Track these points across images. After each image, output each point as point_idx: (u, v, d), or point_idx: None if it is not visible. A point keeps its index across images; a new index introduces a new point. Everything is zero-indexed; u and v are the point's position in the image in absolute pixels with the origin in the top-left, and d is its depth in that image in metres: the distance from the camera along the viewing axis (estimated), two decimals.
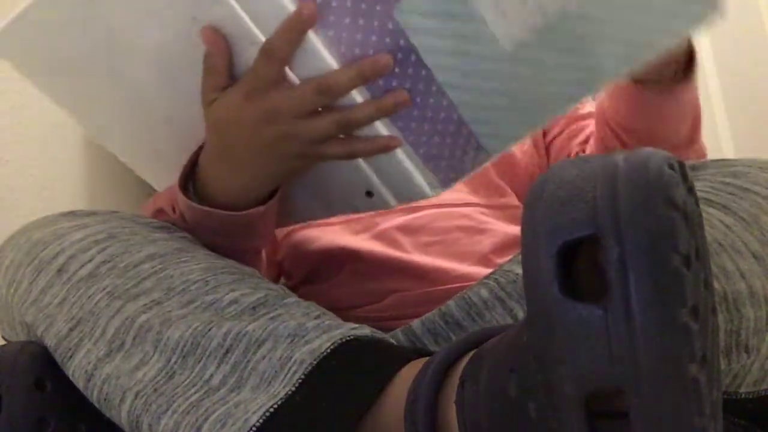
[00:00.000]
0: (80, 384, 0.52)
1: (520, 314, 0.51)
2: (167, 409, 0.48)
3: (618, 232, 0.28)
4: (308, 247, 0.81)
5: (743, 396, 0.49)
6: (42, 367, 0.53)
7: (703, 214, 0.47)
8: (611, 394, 0.30)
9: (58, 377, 0.53)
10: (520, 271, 0.52)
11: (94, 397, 0.51)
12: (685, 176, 0.32)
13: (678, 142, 0.76)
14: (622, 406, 0.29)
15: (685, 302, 0.29)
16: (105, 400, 0.51)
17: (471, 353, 0.43)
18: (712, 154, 1.42)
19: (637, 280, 0.28)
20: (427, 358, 0.46)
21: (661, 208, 0.28)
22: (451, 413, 0.41)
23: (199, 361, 0.49)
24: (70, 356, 0.53)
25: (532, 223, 0.31)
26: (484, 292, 0.54)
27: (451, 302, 0.55)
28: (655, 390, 0.28)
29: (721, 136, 1.42)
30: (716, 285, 0.45)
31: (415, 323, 0.57)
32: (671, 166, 0.31)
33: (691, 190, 0.32)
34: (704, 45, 1.46)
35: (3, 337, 0.64)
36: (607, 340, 0.28)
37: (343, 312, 0.56)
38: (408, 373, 0.46)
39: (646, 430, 0.29)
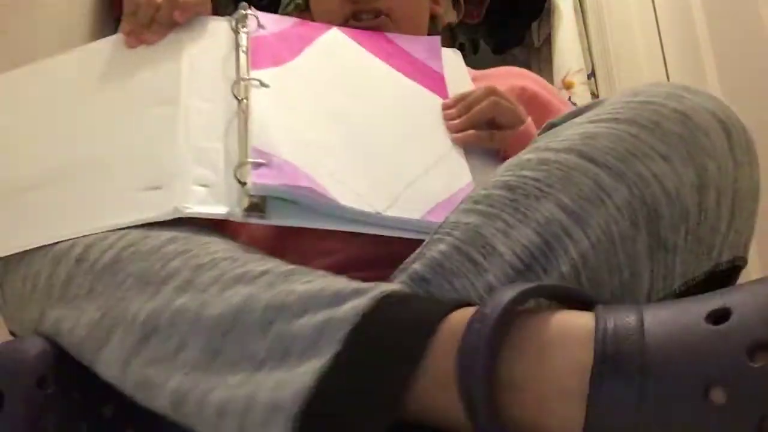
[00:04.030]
0: (113, 370, 0.52)
1: (475, 255, 0.53)
2: (219, 384, 0.48)
3: None
4: None
5: (678, 290, 0.54)
6: (46, 366, 0.53)
7: (612, 131, 0.54)
8: None
9: (62, 375, 0.53)
10: (466, 219, 0.55)
11: (130, 380, 0.51)
12: None
13: None
14: None
15: None
16: (144, 382, 0.50)
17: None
18: None
19: None
20: (471, 308, 0.46)
21: None
22: (512, 371, 0.43)
23: (241, 337, 0.49)
24: (103, 345, 0.53)
25: None
26: (442, 247, 0.55)
27: (416, 265, 0.55)
28: None
29: None
30: (635, 191, 0.52)
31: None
32: None
33: None
34: (704, 44, 1.46)
35: (11, 332, 0.64)
36: None
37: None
38: (452, 324, 0.46)
39: None
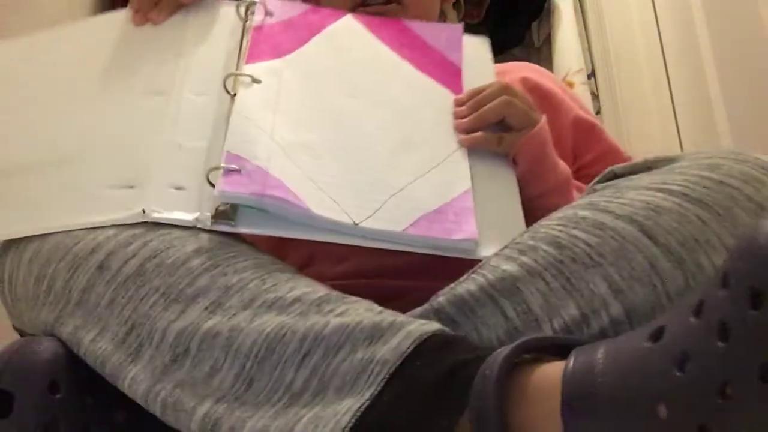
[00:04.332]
0: (141, 387, 0.51)
1: (509, 311, 0.52)
2: (253, 415, 0.48)
3: None
4: None
5: None
6: (59, 369, 0.53)
7: (680, 209, 0.50)
8: None
9: (74, 379, 0.53)
10: (507, 267, 0.54)
11: (158, 400, 0.51)
12: None
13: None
14: None
15: None
16: (173, 404, 0.50)
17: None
18: None
19: None
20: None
21: None
22: (520, 417, 0.44)
23: (277, 366, 0.49)
24: (131, 361, 0.52)
25: None
26: (474, 289, 0.54)
27: (442, 299, 0.55)
28: None
29: (721, 137, 1.42)
30: (692, 282, 0.49)
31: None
32: None
33: None
34: (704, 44, 1.46)
35: (15, 327, 0.63)
36: None
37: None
38: None
39: None
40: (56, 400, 0.51)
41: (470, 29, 0.87)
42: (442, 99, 0.77)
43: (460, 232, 0.62)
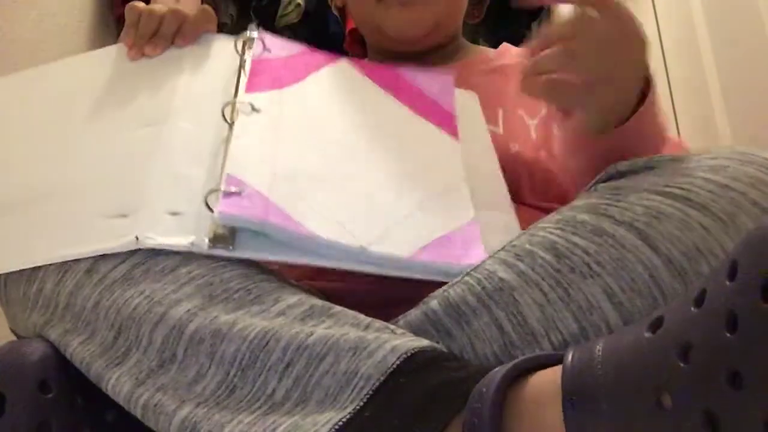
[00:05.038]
0: (124, 388, 0.51)
1: (506, 324, 0.51)
2: (231, 420, 0.48)
3: None
4: None
5: None
6: (49, 369, 0.53)
7: (682, 215, 0.49)
8: None
9: (64, 379, 0.53)
10: (503, 274, 0.53)
11: (140, 401, 0.51)
12: None
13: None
14: None
15: None
16: (154, 406, 0.50)
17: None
18: None
19: None
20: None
21: None
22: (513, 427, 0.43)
23: (260, 375, 0.49)
24: (117, 364, 0.52)
25: None
26: (471, 298, 0.53)
27: (435, 304, 0.54)
28: None
29: (722, 136, 1.42)
30: None
31: (402, 324, 0.56)
32: None
33: None
34: (704, 44, 1.46)
35: (12, 330, 0.63)
36: None
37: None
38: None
39: None
40: (47, 400, 0.51)
41: (470, 29, 0.87)
42: (437, 139, 0.77)
43: (469, 257, 0.60)
